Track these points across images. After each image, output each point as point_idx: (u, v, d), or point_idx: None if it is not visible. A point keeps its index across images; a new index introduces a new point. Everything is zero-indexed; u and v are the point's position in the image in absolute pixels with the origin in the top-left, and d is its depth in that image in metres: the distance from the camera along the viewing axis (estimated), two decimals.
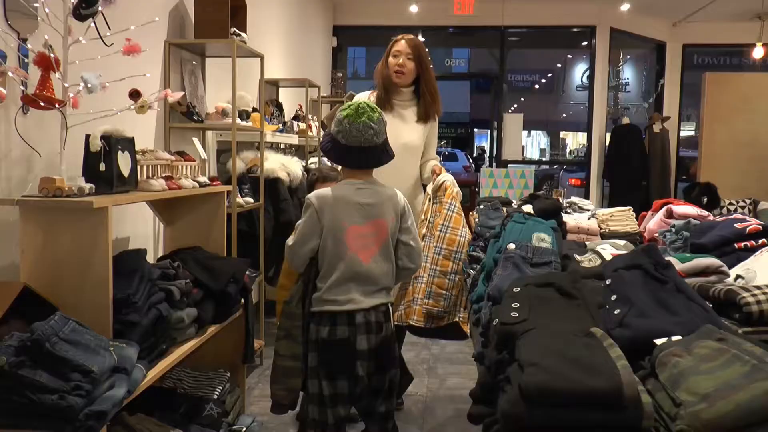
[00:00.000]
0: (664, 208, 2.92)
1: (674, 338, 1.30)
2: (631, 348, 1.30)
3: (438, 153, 3.54)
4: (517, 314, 1.42)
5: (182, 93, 2.63)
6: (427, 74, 3.16)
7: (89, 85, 2.09)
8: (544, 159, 19.66)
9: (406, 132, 3.17)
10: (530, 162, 12.00)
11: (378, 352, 2.20)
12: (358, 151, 2.18)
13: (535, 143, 21.51)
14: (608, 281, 1.58)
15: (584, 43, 9.12)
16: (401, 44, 3.12)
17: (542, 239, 2.11)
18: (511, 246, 1.93)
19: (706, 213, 2.82)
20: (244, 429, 2.72)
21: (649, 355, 1.30)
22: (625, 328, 1.38)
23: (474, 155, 17.00)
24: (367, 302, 2.19)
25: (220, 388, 2.79)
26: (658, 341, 1.30)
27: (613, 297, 1.50)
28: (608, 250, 2.36)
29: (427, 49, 3.21)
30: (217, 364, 2.98)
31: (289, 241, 2.25)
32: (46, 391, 1.67)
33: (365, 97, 3.16)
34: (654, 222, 2.95)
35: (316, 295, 2.20)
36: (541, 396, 1.11)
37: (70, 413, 1.67)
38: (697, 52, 10.75)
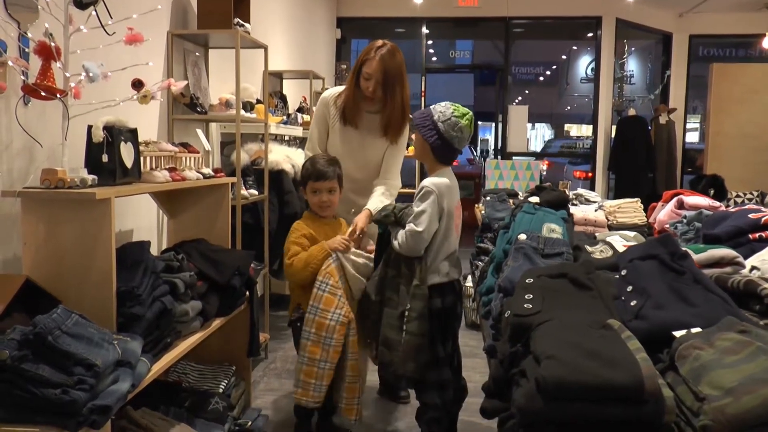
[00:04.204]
0: (675, 198, 2.88)
1: (694, 330, 1.26)
2: (648, 340, 1.26)
3: None
4: (530, 306, 1.38)
5: (185, 82, 2.59)
6: (392, 102, 2.94)
7: (91, 74, 2.05)
8: (549, 151, 19.55)
9: (370, 148, 3.07)
10: (534, 154, 11.92)
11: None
12: (456, 152, 2.55)
13: (540, 136, 21.40)
14: (623, 272, 1.55)
15: (590, 35, 9.05)
16: (373, 66, 2.86)
17: (553, 230, 2.08)
18: (522, 236, 1.89)
19: (717, 204, 2.78)
20: (250, 423, 2.69)
21: (668, 347, 1.26)
22: (642, 320, 1.35)
23: (479, 149, 16.95)
24: (458, 274, 2.56)
25: (226, 381, 2.76)
26: (677, 333, 1.26)
27: (629, 288, 1.46)
28: (619, 241, 2.32)
29: (401, 59, 2.94)
30: (222, 357, 2.94)
31: (418, 227, 2.41)
32: (48, 386, 1.64)
33: (334, 96, 3.08)
34: (664, 213, 2.91)
35: (432, 269, 2.48)
36: (558, 390, 1.07)
37: (74, 408, 1.63)
38: (703, 44, 10.66)
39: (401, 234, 2.45)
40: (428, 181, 2.50)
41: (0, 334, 1.72)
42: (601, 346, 1.17)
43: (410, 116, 2.98)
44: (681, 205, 2.80)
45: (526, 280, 1.52)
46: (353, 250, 2.69)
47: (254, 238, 3.81)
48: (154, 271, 2.19)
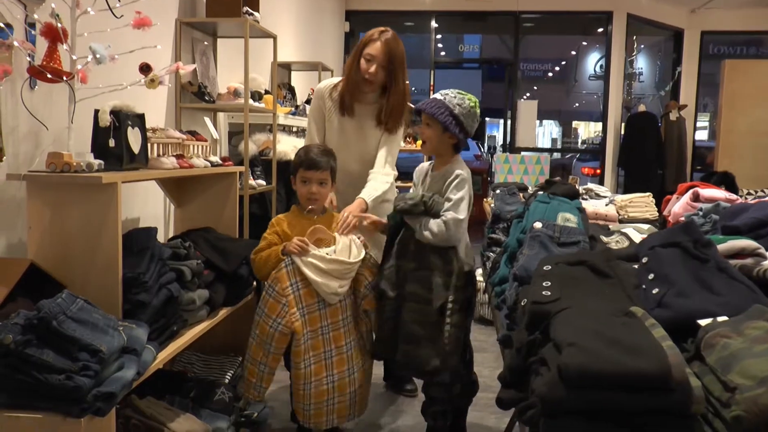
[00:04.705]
0: (690, 191, 2.82)
1: (720, 319, 1.21)
2: (671, 329, 1.22)
3: None
4: (549, 293, 1.34)
5: (194, 65, 2.55)
6: (395, 87, 2.85)
7: (98, 56, 2.01)
8: (557, 147, 19.45)
9: (368, 139, 2.96)
10: (543, 150, 11.86)
11: None
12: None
13: (547, 133, 21.32)
14: (644, 260, 1.50)
15: (600, 30, 8.97)
16: (376, 47, 2.78)
17: (568, 219, 2.03)
18: (538, 225, 1.84)
19: (734, 196, 2.73)
20: (256, 414, 2.65)
21: (692, 336, 1.21)
22: (665, 308, 1.30)
23: (486, 145, 16.88)
24: (474, 263, 2.53)
25: (231, 372, 2.73)
26: (702, 322, 1.22)
27: (650, 276, 1.42)
28: (635, 232, 2.27)
29: (403, 48, 2.86)
30: (228, 348, 2.91)
31: (460, 215, 2.34)
32: (52, 371, 1.61)
33: (329, 87, 2.97)
34: (679, 206, 2.85)
35: (464, 256, 2.43)
36: (581, 378, 1.03)
37: (78, 394, 1.60)
38: (715, 41, 10.55)
39: (436, 223, 2.32)
40: (461, 170, 2.42)
41: (4, 318, 1.69)
42: (625, 333, 1.12)
43: (411, 106, 2.91)
44: (696, 198, 2.74)
45: (544, 267, 1.47)
46: (322, 252, 2.38)
47: (262, 228, 3.77)
48: (160, 258, 2.16)
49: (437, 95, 2.45)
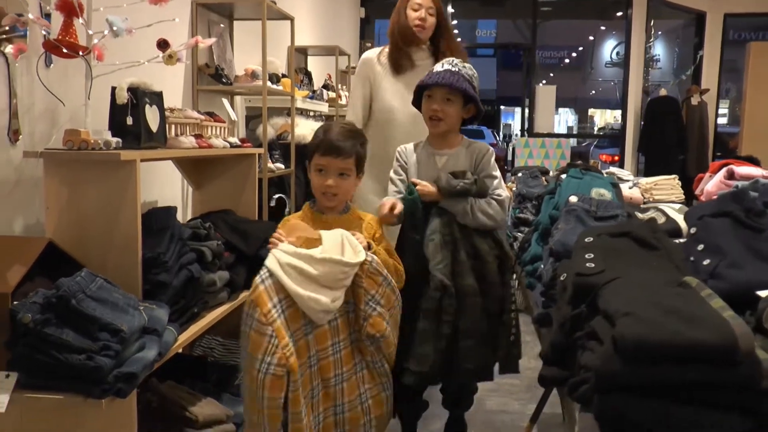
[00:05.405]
0: (724, 169, 2.73)
1: None
2: (726, 301, 1.14)
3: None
4: (593, 265, 1.26)
5: (213, 39, 2.48)
6: (448, 32, 2.85)
7: (115, 28, 1.95)
8: (575, 133, 19.25)
9: None
10: (561, 135, 11.72)
11: None
12: None
13: (563, 121, 21.14)
14: (692, 230, 1.42)
15: (619, 14, 8.82)
16: None
17: (602, 195, 1.95)
18: (573, 198, 1.76)
19: None
20: None
21: (749, 309, 1.14)
22: (719, 279, 1.22)
23: (502, 133, 16.75)
24: None
25: None
26: (762, 293, 1.14)
27: (700, 247, 1.34)
28: (670, 209, 2.19)
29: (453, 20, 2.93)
30: None
31: (505, 193, 2.10)
32: (72, 351, 1.55)
33: (375, 54, 2.91)
34: (713, 184, 2.76)
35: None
36: (638, 349, 0.95)
37: (98, 374, 1.55)
38: (737, 25, 10.35)
39: (489, 204, 2.05)
40: (487, 146, 2.21)
41: (22, 297, 1.64)
42: (681, 303, 1.05)
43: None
44: (731, 176, 2.64)
45: (585, 240, 1.39)
46: (310, 252, 1.77)
47: (280, 212, 3.72)
48: (180, 238, 2.10)
49: (447, 66, 2.16)
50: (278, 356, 1.68)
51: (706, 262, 1.28)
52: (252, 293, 1.71)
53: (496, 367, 2.13)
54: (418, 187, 2.08)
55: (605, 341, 1.00)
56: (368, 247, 1.88)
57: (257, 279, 1.71)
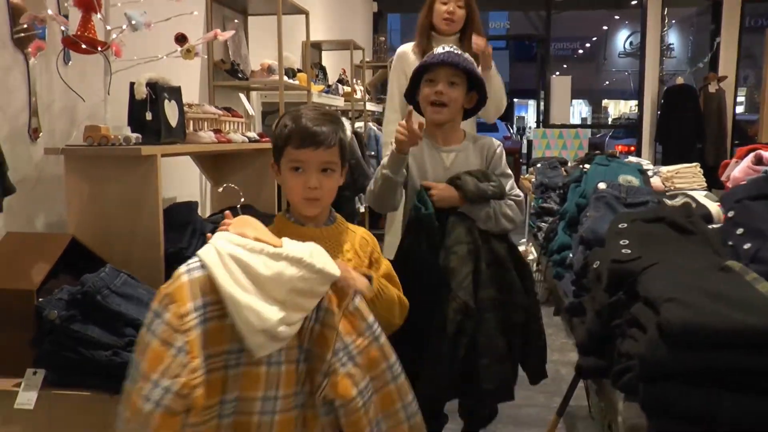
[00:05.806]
0: (752, 154, 2.67)
1: None
2: None
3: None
4: (629, 251, 1.23)
5: (233, 32, 2.46)
6: (476, 25, 2.84)
7: (133, 22, 1.93)
8: (589, 124, 19.12)
9: None
10: (578, 126, 11.63)
11: None
12: None
13: (577, 112, 21.01)
14: (730, 213, 1.38)
15: (634, 2, 8.72)
16: None
17: (630, 181, 1.91)
18: (602, 185, 1.73)
19: None
20: None
21: None
22: (762, 264, 1.18)
23: (516, 126, 16.67)
24: None
25: None
26: None
27: (739, 231, 1.30)
28: (699, 196, 2.14)
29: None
30: None
31: (520, 192, 1.93)
32: (99, 347, 1.54)
33: (409, 48, 2.88)
34: (739, 170, 2.69)
35: None
36: (685, 335, 0.92)
37: (125, 370, 1.53)
38: (754, 12, 10.22)
39: (508, 206, 1.86)
40: (496, 140, 2.01)
41: (47, 294, 1.63)
42: (727, 287, 1.01)
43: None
44: (759, 161, 2.58)
45: (619, 226, 1.36)
46: (254, 242, 1.21)
47: None
48: (202, 233, 2.09)
49: (448, 49, 1.94)
50: (181, 382, 1.10)
51: (747, 246, 1.24)
52: (169, 285, 1.17)
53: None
54: (433, 192, 1.81)
55: (649, 328, 0.96)
56: (369, 280, 1.38)
57: (182, 268, 1.18)
